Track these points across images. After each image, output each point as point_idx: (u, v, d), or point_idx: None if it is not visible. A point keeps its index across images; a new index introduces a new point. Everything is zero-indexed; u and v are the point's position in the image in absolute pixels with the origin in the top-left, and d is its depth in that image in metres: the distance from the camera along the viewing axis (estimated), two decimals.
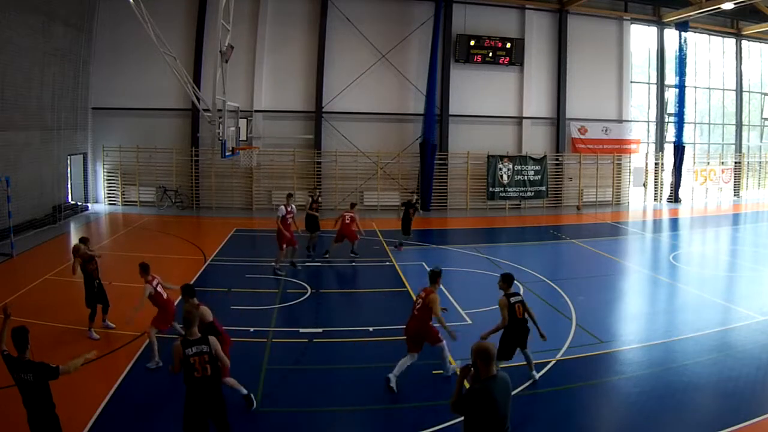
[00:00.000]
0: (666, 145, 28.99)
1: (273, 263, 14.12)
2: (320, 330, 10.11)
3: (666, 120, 29.04)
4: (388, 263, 15.21)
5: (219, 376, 5.86)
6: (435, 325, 8.10)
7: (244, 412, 7.17)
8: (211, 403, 5.72)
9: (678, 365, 8.85)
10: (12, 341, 5.33)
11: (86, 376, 8.04)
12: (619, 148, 27.83)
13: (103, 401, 7.28)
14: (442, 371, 8.26)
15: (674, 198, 28.59)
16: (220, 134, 14.62)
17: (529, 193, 26.24)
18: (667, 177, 28.98)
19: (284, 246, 13.87)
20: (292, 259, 14.39)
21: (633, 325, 11.10)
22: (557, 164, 27.22)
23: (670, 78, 28.52)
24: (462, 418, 4.72)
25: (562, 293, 12.46)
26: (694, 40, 29.29)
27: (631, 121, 28.38)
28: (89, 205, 23.18)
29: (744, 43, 30.39)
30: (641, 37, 28.61)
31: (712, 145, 31.11)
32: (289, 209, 14.09)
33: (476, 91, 25.83)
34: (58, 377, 5.32)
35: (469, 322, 10.73)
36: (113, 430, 6.80)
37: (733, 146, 31.12)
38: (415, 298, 8.70)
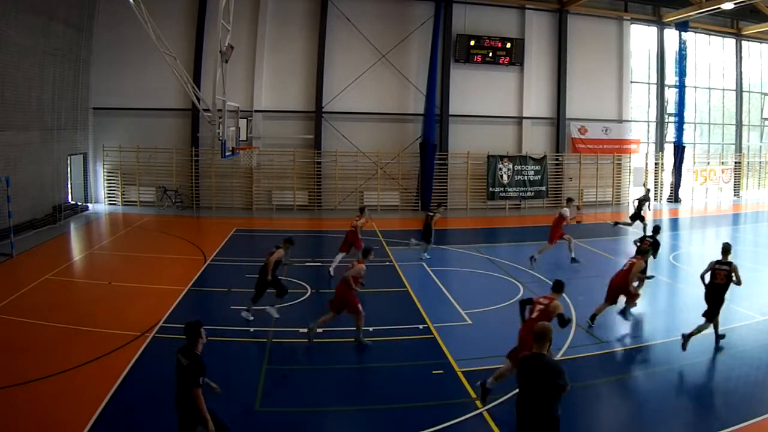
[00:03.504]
0: (666, 145, 28.99)
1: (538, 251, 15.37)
2: (320, 330, 10.10)
3: (666, 120, 29.05)
4: (388, 263, 15.20)
5: None
6: None
7: (244, 412, 7.17)
8: None
9: (678, 365, 8.85)
10: (185, 334, 5.74)
11: (86, 376, 8.05)
12: (619, 148, 27.82)
13: (103, 401, 7.27)
14: None
15: (674, 198, 28.59)
16: (220, 134, 14.62)
17: (529, 193, 26.24)
18: (667, 177, 28.98)
19: (555, 241, 15.34)
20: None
21: (633, 325, 11.09)
22: (557, 164, 27.21)
23: (670, 78, 28.53)
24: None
25: (562, 293, 12.42)
26: (694, 40, 29.29)
27: (631, 121, 28.37)
28: (89, 205, 23.18)
29: (744, 43, 30.39)
30: (641, 37, 28.60)
31: (712, 145, 31.11)
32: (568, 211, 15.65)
33: (476, 91, 25.83)
34: (197, 386, 5.54)
35: (470, 322, 10.73)
36: (113, 430, 6.79)
37: (733, 146, 31.12)
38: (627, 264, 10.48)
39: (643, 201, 18.90)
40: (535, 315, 7.70)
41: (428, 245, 15.93)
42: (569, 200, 16.64)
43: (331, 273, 13.84)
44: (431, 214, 16.23)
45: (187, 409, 5.60)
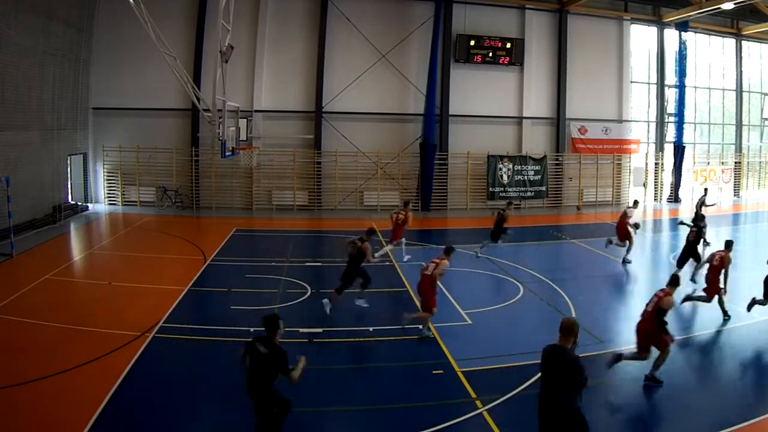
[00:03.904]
0: (666, 145, 29.00)
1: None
2: (320, 330, 10.11)
3: (666, 120, 29.05)
4: (388, 263, 15.19)
5: None
6: None
7: (244, 412, 7.17)
8: None
9: (678, 365, 8.85)
10: (264, 326, 6.11)
11: (86, 376, 8.05)
12: (619, 148, 27.83)
13: (103, 401, 7.28)
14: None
15: (674, 198, 28.60)
16: (220, 134, 14.62)
17: (529, 193, 26.25)
18: (667, 177, 28.99)
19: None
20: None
21: (633, 325, 11.03)
22: (557, 164, 27.22)
23: (670, 78, 28.53)
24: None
25: (562, 293, 12.45)
26: (694, 40, 29.30)
27: (631, 121, 28.38)
28: (89, 205, 23.17)
29: (744, 43, 30.39)
30: (641, 37, 28.60)
31: (712, 145, 31.12)
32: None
33: (476, 91, 25.83)
34: (288, 372, 5.91)
35: (469, 322, 10.74)
36: (113, 430, 6.80)
37: (733, 146, 31.13)
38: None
39: (701, 201, 19.91)
40: (650, 308, 8.11)
41: (495, 243, 16.15)
42: (636, 202, 17.80)
43: (375, 257, 14.15)
44: (502, 211, 16.35)
45: (262, 395, 5.84)
